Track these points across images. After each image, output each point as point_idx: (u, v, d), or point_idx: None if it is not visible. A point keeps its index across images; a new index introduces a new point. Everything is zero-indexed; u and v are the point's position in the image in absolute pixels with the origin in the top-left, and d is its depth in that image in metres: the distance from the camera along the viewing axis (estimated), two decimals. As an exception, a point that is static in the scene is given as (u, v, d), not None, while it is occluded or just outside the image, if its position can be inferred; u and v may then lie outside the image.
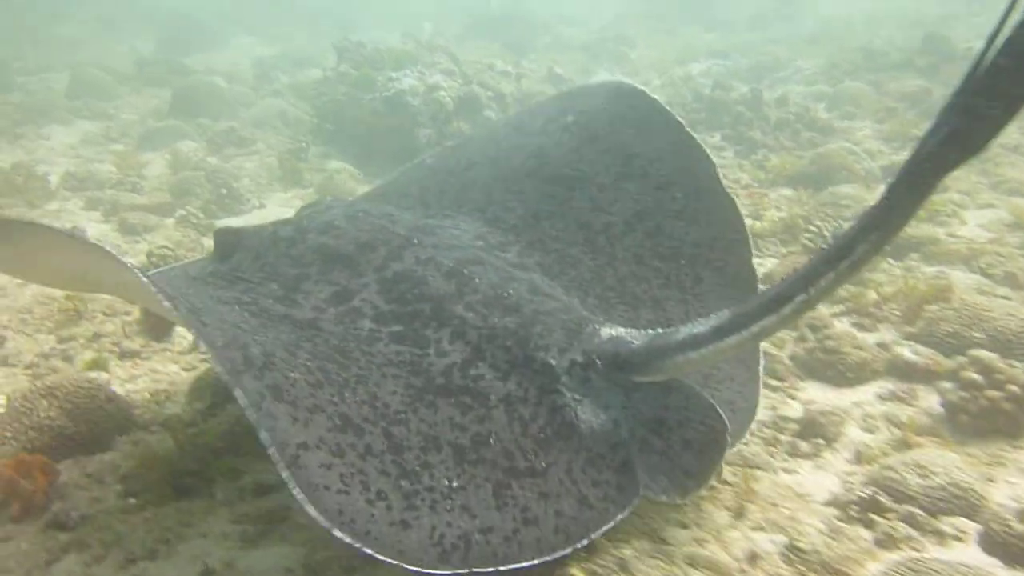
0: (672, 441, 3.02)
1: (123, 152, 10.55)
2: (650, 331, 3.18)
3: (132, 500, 3.58)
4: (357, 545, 2.42)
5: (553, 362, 3.13)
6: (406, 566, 2.47)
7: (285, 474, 2.42)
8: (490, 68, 11.53)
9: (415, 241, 3.54)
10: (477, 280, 3.37)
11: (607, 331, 3.25)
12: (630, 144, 4.24)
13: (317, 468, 2.50)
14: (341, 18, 28.20)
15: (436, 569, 2.51)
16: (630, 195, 4.09)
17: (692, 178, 4.07)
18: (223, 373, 2.53)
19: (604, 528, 2.81)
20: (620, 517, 2.84)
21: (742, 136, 10.34)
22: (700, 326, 2.94)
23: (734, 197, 4.04)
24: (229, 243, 3.75)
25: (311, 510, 2.42)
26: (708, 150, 4.14)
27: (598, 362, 3.14)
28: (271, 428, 2.47)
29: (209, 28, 24.83)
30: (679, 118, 4.23)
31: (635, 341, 3.13)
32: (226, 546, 3.22)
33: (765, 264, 6.33)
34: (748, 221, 4.78)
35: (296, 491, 2.42)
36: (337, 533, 2.42)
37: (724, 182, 4.04)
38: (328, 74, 12.28)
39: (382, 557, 2.44)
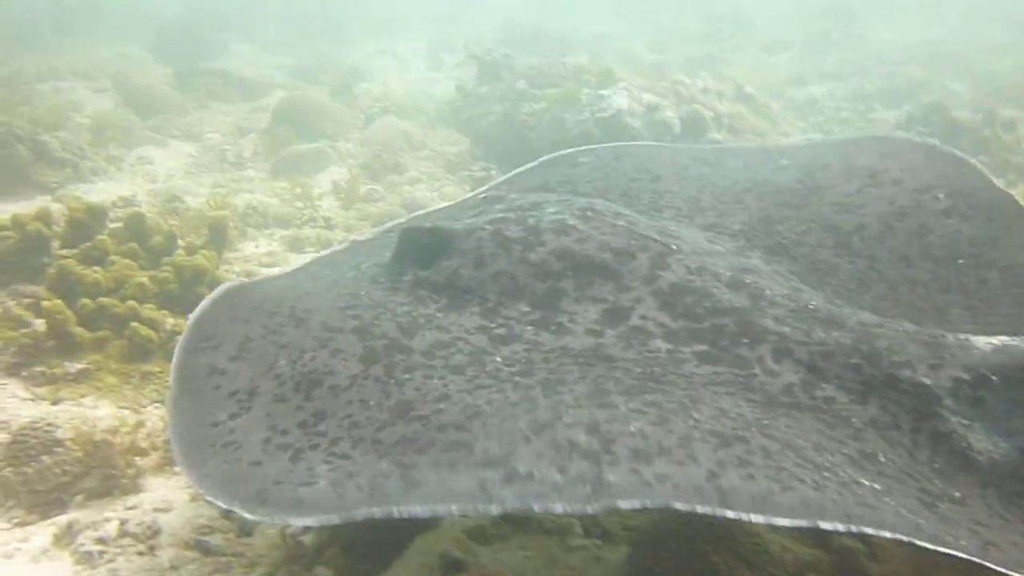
0: None
1: (289, 185, 8.96)
2: None
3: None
4: None
5: (927, 381, 2.79)
6: None
7: None
8: (687, 86, 10.52)
9: (673, 247, 3.29)
10: (767, 291, 3.15)
11: (982, 340, 2.89)
12: (872, 164, 4.13)
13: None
14: (331, 25, 26.97)
15: None
16: (880, 198, 3.91)
17: (954, 180, 3.89)
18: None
19: None
20: None
21: (1007, 163, 9.59)
22: None
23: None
24: (430, 245, 3.35)
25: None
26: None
27: (993, 378, 2.76)
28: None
29: (200, 36, 22.96)
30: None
31: None
32: None
33: None
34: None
35: None
36: None
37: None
38: (483, 90, 11.07)
39: None
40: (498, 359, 2.82)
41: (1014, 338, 2.90)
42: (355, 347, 2.83)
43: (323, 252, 3.90)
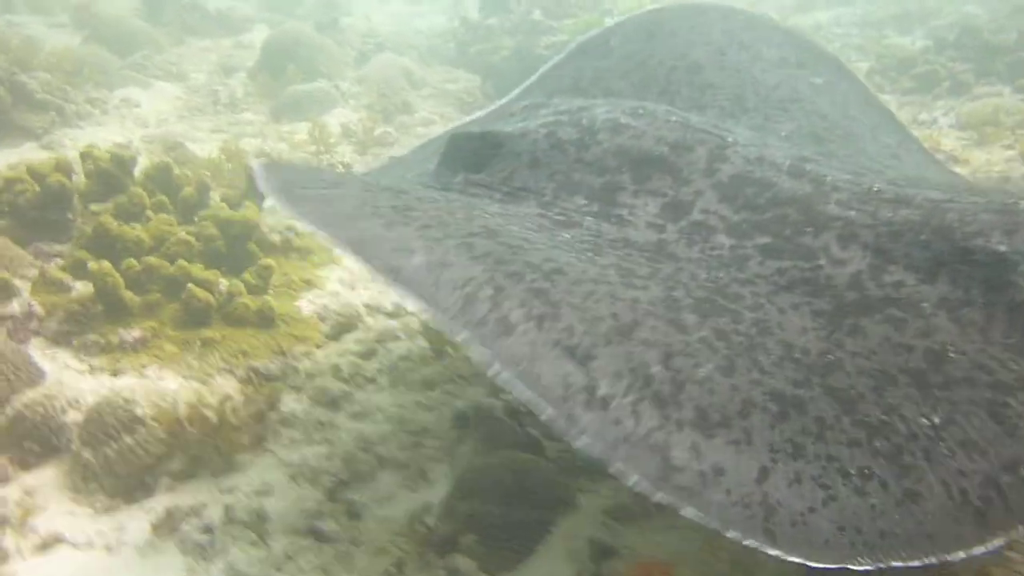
0: None
1: (295, 129, 8.43)
2: None
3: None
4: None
5: (1002, 248, 2.72)
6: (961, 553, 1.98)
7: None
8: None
9: (729, 139, 3.26)
10: (828, 177, 3.07)
11: None
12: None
13: (786, 488, 2.06)
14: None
15: (992, 544, 2.02)
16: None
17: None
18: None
19: None
20: None
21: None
22: None
23: None
24: (481, 149, 3.40)
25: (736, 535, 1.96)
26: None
27: None
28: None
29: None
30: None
31: None
32: None
33: None
34: None
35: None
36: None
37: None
38: (491, 22, 10.59)
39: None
40: (566, 235, 2.88)
41: None
42: (430, 211, 2.80)
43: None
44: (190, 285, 4.45)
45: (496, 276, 2.36)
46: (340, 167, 7.91)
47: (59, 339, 4.33)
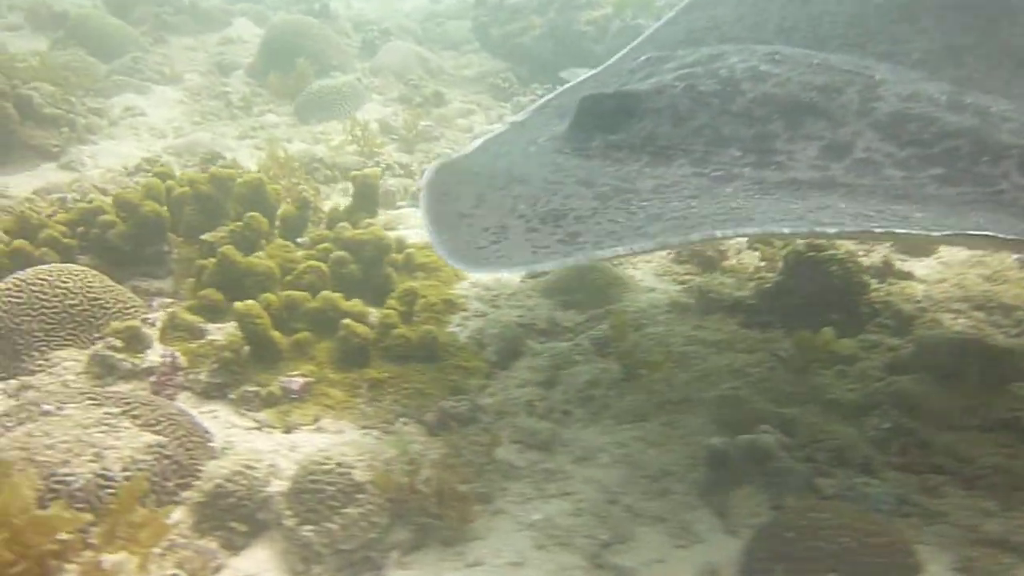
0: None
1: (358, 135, 7.92)
2: None
3: None
4: None
5: None
6: None
7: None
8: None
9: (877, 77, 3.31)
10: (992, 108, 3.17)
11: None
12: None
13: None
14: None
15: None
16: None
17: None
18: None
19: None
20: None
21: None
22: None
23: None
24: (615, 110, 3.42)
25: None
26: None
27: None
28: None
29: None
30: None
31: None
32: None
33: None
34: None
35: None
36: None
37: None
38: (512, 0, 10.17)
39: None
40: (728, 190, 2.96)
41: None
42: (584, 192, 3.03)
43: (484, 138, 3.92)
44: (346, 321, 4.05)
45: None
46: (399, 168, 7.50)
47: (212, 392, 3.90)
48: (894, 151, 3.08)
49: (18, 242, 4.56)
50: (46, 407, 3.37)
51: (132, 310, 4.29)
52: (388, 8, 15.49)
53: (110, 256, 4.77)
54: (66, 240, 4.70)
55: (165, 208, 4.83)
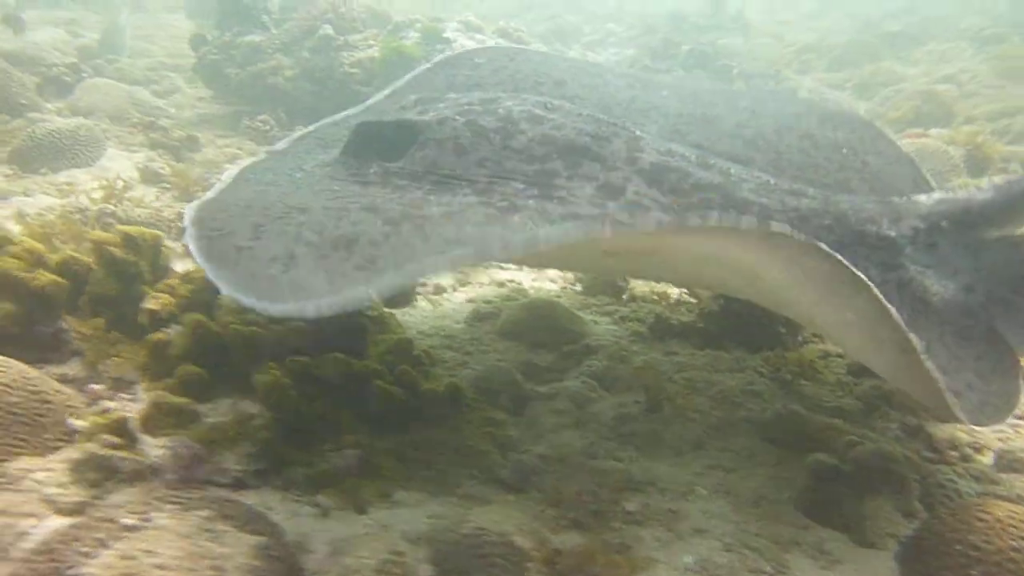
0: None
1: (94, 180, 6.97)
2: (987, 184, 3.53)
3: None
4: None
5: (891, 233, 3.35)
6: None
7: None
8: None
9: (638, 133, 3.68)
10: (732, 170, 3.59)
11: (923, 197, 3.54)
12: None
13: None
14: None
15: None
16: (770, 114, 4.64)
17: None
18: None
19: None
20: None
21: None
22: None
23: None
24: (394, 138, 3.51)
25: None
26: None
27: (944, 224, 3.35)
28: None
29: None
30: None
31: (979, 195, 3.41)
32: None
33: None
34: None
35: None
36: None
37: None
38: (250, 39, 9.81)
39: None
40: (515, 219, 3.00)
41: (946, 192, 3.55)
42: (371, 218, 2.94)
43: (238, 168, 3.68)
44: (377, 382, 3.74)
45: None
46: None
47: (252, 481, 3.34)
48: (659, 196, 3.35)
49: None
50: (126, 520, 2.69)
51: (77, 403, 3.50)
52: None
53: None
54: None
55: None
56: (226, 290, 2.62)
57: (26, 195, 7.04)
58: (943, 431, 4.13)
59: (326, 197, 3.21)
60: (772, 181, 3.59)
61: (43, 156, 7.80)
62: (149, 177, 7.64)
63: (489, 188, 3.25)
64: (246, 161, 3.89)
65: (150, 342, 3.77)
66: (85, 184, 7.35)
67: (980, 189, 3.46)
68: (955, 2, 23.75)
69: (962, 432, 4.12)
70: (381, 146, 3.49)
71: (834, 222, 3.37)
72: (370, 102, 4.65)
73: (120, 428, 3.31)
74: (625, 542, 3.34)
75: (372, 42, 9.50)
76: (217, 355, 3.75)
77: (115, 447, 3.23)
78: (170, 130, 8.71)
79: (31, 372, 3.46)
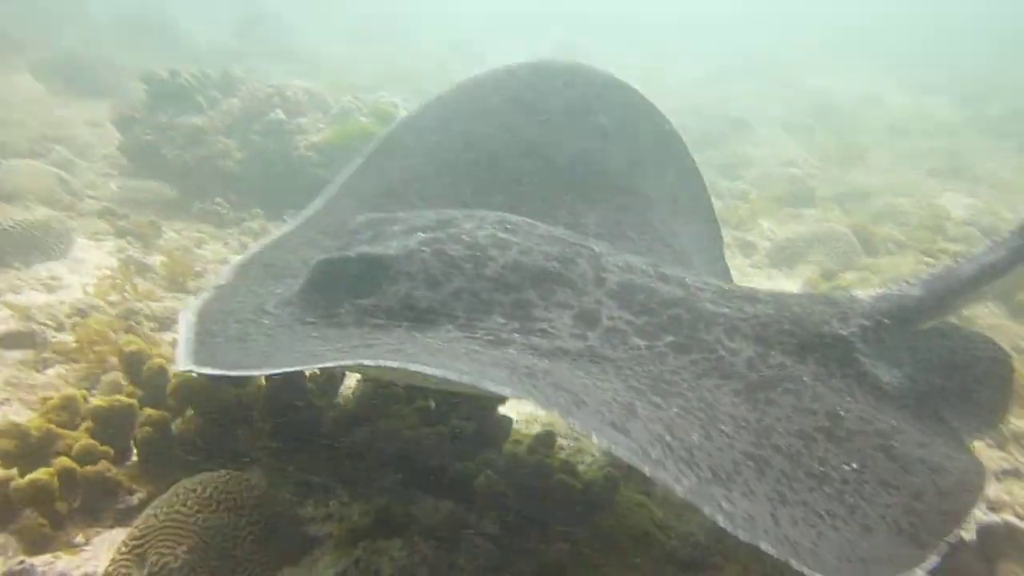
0: (968, 381, 3.53)
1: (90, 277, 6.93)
2: (914, 279, 3.84)
3: None
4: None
5: (844, 332, 3.60)
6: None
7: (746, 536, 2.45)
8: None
9: (595, 248, 3.79)
10: (687, 279, 3.78)
11: (862, 294, 3.88)
12: (674, 184, 5.15)
13: (792, 528, 2.58)
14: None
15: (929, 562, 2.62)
16: (687, 230, 5.03)
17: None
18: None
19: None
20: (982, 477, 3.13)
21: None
22: (990, 256, 3.70)
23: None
24: (360, 274, 3.42)
25: (795, 564, 2.43)
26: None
27: (886, 321, 3.66)
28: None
29: None
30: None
31: (912, 291, 3.76)
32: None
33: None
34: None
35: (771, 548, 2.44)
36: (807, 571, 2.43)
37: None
38: (194, 121, 9.89)
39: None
40: (511, 351, 3.06)
41: (885, 290, 3.87)
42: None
43: (193, 317, 3.29)
44: (559, 475, 4.27)
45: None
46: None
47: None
48: (632, 319, 3.43)
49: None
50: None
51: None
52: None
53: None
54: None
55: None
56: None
57: (15, 292, 6.84)
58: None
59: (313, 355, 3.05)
60: (724, 287, 3.83)
61: (15, 250, 7.51)
62: (127, 268, 7.58)
63: (470, 323, 3.28)
64: (193, 308, 3.43)
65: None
66: (68, 278, 7.24)
67: (910, 284, 3.82)
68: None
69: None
70: (347, 282, 3.40)
71: (792, 326, 3.59)
72: (307, 214, 4.46)
73: None
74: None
75: (321, 125, 9.85)
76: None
77: None
78: (129, 216, 8.61)
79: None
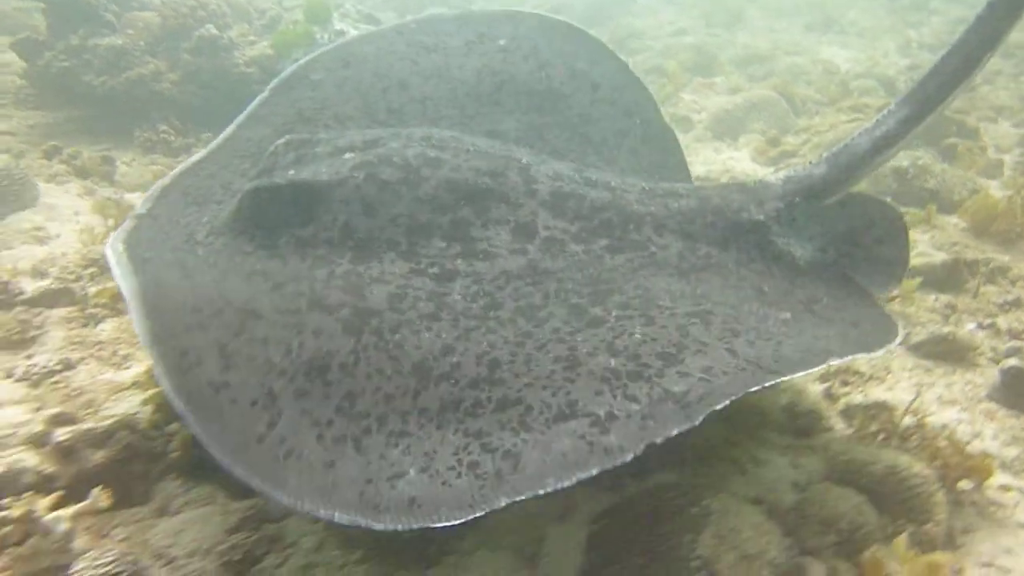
0: (869, 244, 3.90)
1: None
2: (822, 155, 4.09)
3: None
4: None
5: (760, 217, 3.91)
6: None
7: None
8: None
9: (521, 159, 3.85)
10: (613, 182, 3.93)
11: (772, 177, 4.17)
12: (589, 72, 5.19)
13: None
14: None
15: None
16: (609, 116, 5.04)
17: (645, 112, 5.21)
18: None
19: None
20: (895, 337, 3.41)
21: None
22: (882, 127, 3.95)
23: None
24: (294, 202, 3.42)
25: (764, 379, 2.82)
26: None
27: (797, 200, 3.97)
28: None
29: None
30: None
31: (816, 170, 4.05)
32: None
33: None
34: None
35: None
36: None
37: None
38: (110, 42, 9.39)
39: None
40: (456, 296, 3.16)
41: (790, 171, 4.15)
42: (327, 321, 2.94)
43: (118, 243, 3.26)
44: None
45: (471, 427, 2.70)
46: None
47: None
48: (567, 227, 3.59)
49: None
50: None
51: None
52: None
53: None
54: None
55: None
56: (222, 460, 2.53)
57: (7, 248, 6.57)
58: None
59: (259, 285, 3.09)
60: (646, 186, 4.00)
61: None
62: (107, 209, 7.37)
63: (412, 249, 3.34)
64: (119, 237, 3.38)
65: None
66: (52, 227, 6.99)
67: (815, 164, 4.08)
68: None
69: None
70: (279, 210, 3.40)
71: (714, 217, 3.88)
72: (220, 139, 4.29)
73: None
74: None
75: (252, 37, 9.54)
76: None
77: None
78: (77, 155, 8.23)
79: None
